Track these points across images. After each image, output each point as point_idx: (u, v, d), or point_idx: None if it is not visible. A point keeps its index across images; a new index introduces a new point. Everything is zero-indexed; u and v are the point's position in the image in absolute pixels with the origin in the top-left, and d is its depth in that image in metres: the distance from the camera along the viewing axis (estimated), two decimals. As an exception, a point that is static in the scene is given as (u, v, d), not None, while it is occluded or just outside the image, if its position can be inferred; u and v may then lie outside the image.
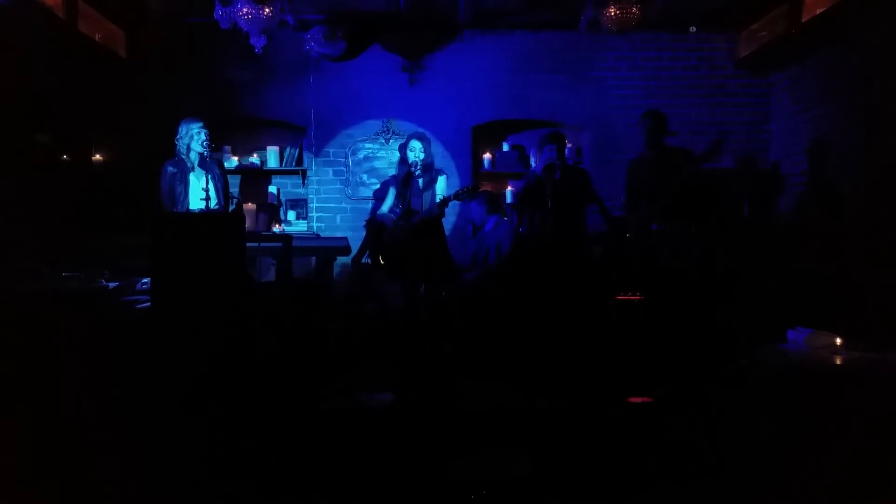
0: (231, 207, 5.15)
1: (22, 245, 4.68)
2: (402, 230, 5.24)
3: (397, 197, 5.35)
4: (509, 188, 6.85)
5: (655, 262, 5.05)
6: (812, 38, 5.67)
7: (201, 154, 4.97)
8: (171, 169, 4.96)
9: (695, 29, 6.66)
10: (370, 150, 6.88)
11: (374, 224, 5.63)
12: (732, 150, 6.54)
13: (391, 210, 5.41)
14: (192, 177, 5.00)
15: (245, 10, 5.00)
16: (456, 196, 5.16)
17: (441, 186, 5.31)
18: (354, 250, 6.25)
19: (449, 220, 6.00)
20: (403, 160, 5.35)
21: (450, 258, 5.42)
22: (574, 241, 5.23)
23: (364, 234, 6.41)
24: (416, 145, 5.27)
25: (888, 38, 4.93)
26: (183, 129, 4.98)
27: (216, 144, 5.41)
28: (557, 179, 5.15)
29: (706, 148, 5.23)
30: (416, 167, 5.25)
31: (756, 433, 3.10)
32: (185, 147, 4.97)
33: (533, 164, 5.80)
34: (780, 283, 5.12)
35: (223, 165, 5.40)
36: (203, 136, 4.97)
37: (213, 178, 5.00)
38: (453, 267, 5.54)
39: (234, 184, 6.69)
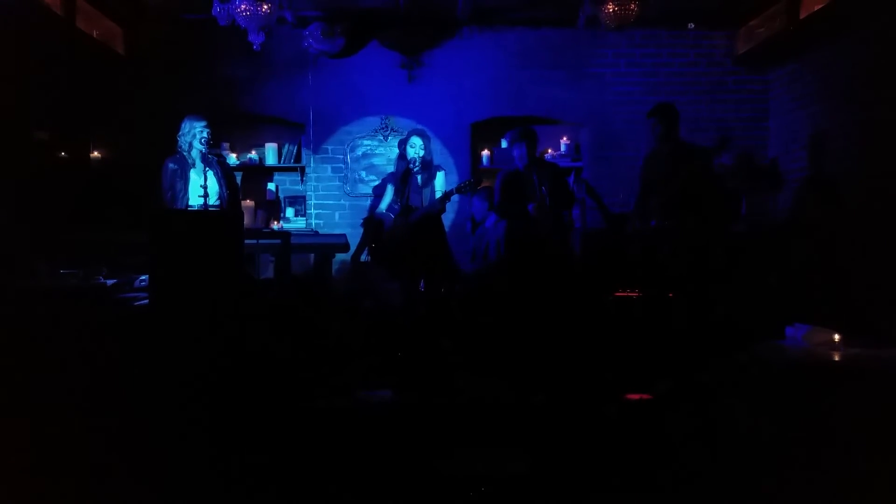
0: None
1: (20, 242, 4.67)
2: (402, 227, 5.24)
3: (396, 193, 5.35)
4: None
5: (654, 259, 5.05)
6: (810, 34, 5.67)
7: (203, 151, 4.97)
8: (172, 165, 4.95)
9: (693, 25, 6.65)
10: (369, 147, 6.88)
11: (373, 221, 5.63)
12: (731, 146, 6.54)
13: (390, 207, 5.41)
14: (192, 173, 5.00)
15: (243, 6, 5.00)
16: (458, 189, 5.18)
17: (440, 182, 5.32)
18: (353, 247, 6.24)
19: (448, 217, 5.99)
20: (402, 156, 5.36)
21: (450, 254, 5.43)
22: (554, 237, 5.23)
23: (362, 231, 6.40)
24: (416, 142, 5.27)
25: (885, 34, 4.93)
26: (186, 126, 4.97)
27: (214, 141, 5.40)
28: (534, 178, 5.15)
29: (713, 145, 5.21)
30: (414, 164, 5.25)
31: (755, 430, 3.10)
32: (186, 144, 4.97)
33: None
34: (779, 280, 5.12)
35: (227, 163, 5.39)
36: (206, 135, 4.97)
37: (215, 176, 5.01)
38: (454, 263, 5.55)
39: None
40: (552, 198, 5.22)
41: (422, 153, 5.26)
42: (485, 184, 6.74)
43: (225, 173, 5.15)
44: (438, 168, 5.42)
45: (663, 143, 5.25)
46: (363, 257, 5.84)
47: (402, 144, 5.38)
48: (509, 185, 5.33)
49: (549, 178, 5.27)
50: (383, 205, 5.47)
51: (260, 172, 7.01)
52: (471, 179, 5.48)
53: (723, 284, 4.97)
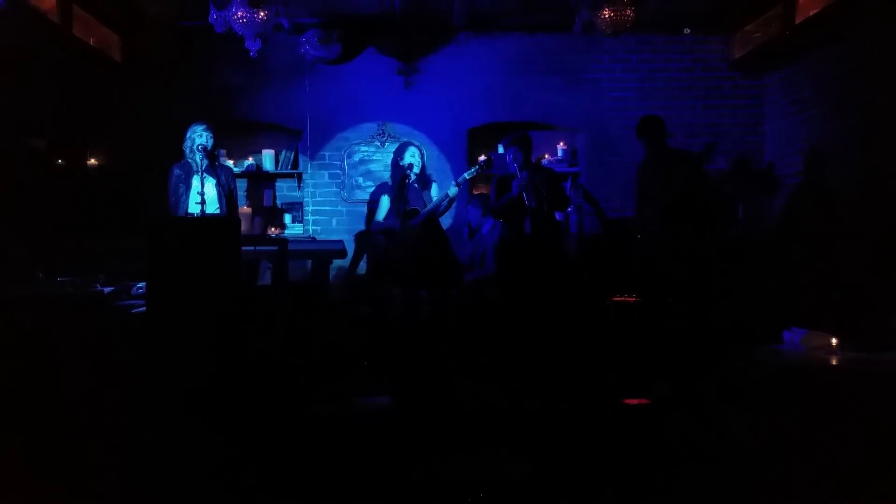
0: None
1: (17, 250, 4.66)
2: (408, 231, 5.21)
3: (394, 202, 5.35)
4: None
5: (652, 264, 5.06)
6: (805, 39, 5.69)
7: (200, 157, 4.98)
8: (176, 171, 5.09)
9: (689, 31, 6.67)
10: (366, 153, 6.88)
11: (372, 238, 5.62)
12: (727, 151, 6.56)
13: (387, 218, 5.41)
14: (194, 179, 5.01)
15: (240, 13, 5.00)
16: (480, 168, 5.16)
17: (434, 193, 5.37)
18: (350, 253, 6.24)
19: (444, 223, 6.00)
20: (398, 166, 5.36)
21: (456, 259, 5.45)
22: (550, 241, 5.22)
23: (356, 246, 6.42)
24: (414, 151, 5.33)
25: (880, 39, 4.95)
26: (188, 132, 5.06)
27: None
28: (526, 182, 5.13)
29: (699, 152, 5.21)
30: (411, 168, 5.27)
31: (753, 434, 3.10)
32: (188, 150, 5.04)
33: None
34: (776, 284, 5.13)
35: (229, 170, 5.41)
36: (204, 140, 4.98)
37: (214, 183, 5.03)
38: (460, 268, 5.56)
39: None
40: (548, 200, 5.19)
41: (419, 162, 5.31)
42: (480, 190, 6.75)
43: (225, 180, 5.17)
44: (431, 179, 5.50)
45: (652, 152, 5.28)
46: (360, 269, 5.84)
47: (400, 153, 5.37)
48: (503, 189, 5.33)
49: (544, 182, 5.25)
50: (380, 215, 5.48)
51: (258, 179, 7.01)
52: (488, 157, 5.40)
53: (720, 289, 4.98)
